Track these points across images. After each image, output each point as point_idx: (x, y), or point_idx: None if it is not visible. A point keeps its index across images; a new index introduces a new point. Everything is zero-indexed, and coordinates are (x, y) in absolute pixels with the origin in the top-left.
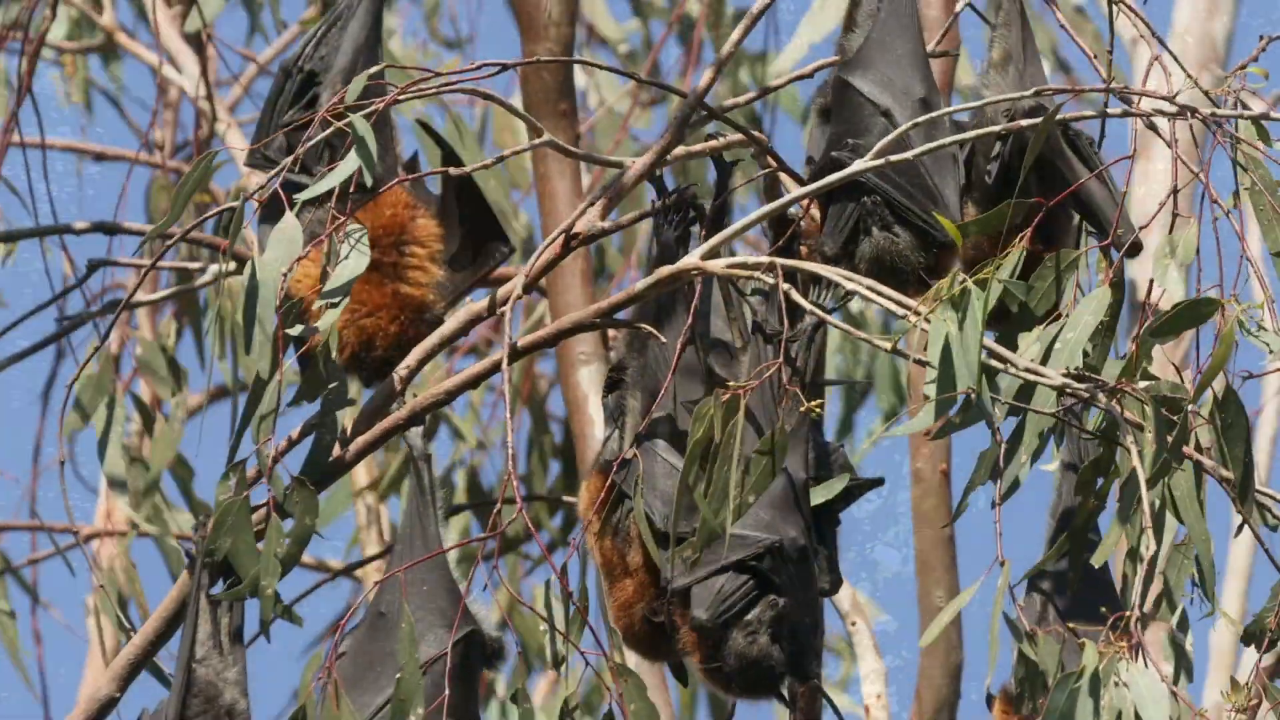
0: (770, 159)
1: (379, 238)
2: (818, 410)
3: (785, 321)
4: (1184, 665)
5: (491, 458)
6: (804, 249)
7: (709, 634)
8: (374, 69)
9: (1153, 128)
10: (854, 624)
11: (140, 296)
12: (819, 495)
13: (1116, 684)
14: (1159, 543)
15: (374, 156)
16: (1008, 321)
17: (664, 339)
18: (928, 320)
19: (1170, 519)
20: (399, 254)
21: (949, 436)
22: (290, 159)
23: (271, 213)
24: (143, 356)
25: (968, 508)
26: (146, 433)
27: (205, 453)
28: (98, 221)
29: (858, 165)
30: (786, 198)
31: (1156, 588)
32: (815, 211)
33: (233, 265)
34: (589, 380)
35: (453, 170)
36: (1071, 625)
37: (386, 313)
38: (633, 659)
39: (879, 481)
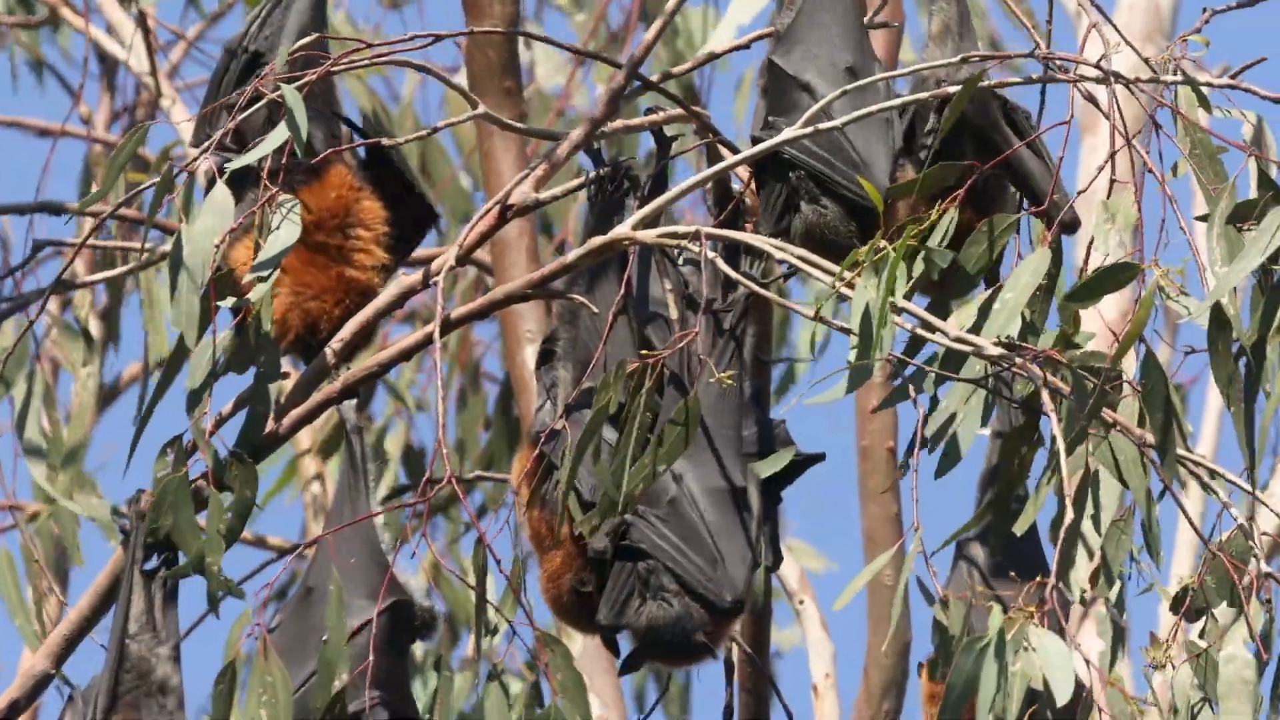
0: (709, 132)
1: (324, 220)
2: (729, 380)
3: (712, 290)
4: (1120, 643)
5: (419, 426)
6: (748, 226)
7: (617, 632)
8: (304, 40)
9: (1092, 100)
10: (801, 602)
11: (87, 276)
12: (763, 470)
13: (1025, 649)
14: (1078, 510)
15: (303, 128)
16: (941, 287)
17: (595, 309)
18: (850, 286)
19: (1102, 491)
20: (344, 237)
21: (896, 415)
22: (221, 133)
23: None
24: (58, 332)
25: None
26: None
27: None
28: (43, 201)
29: (772, 142)
30: (701, 174)
31: (1095, 564)
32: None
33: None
34: (535, 358)
35: (385, 141)
36: (994, 591)
37: (331, 296)
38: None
39: (820, 457)
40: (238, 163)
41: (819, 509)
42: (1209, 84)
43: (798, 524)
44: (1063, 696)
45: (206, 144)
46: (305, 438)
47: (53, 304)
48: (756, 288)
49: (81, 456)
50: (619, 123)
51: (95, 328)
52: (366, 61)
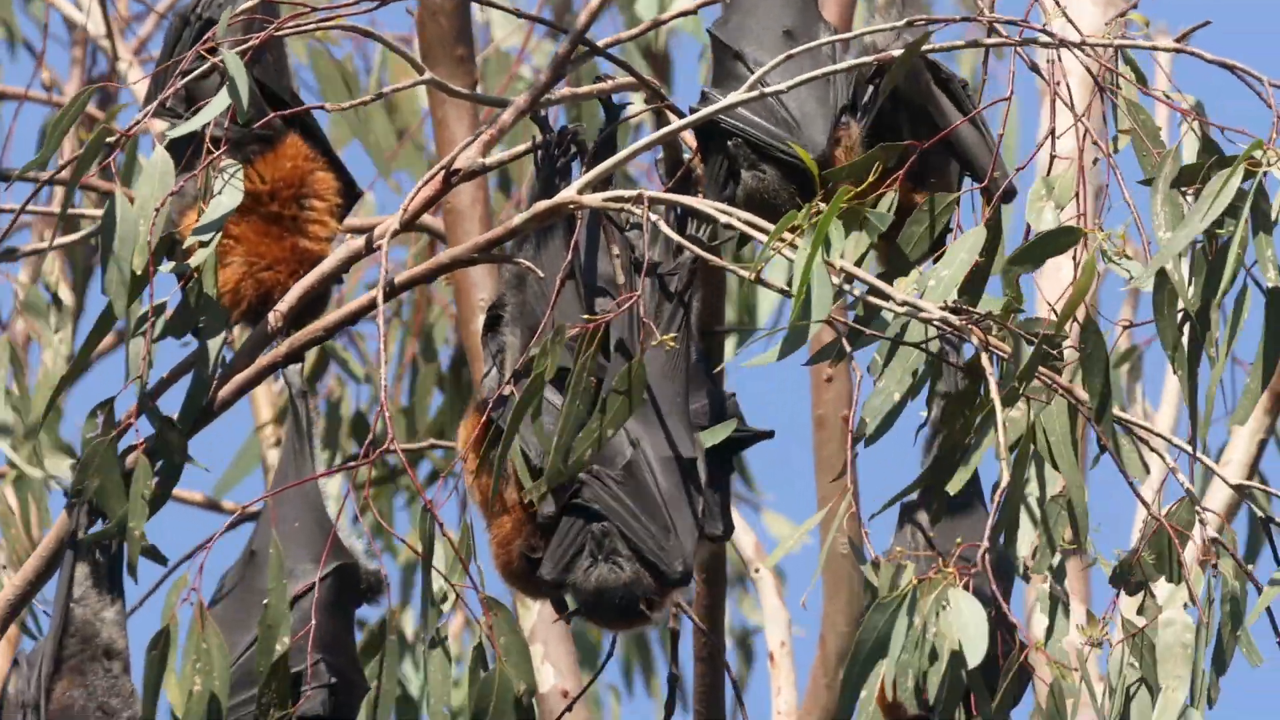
0: (658, 99)
1: (279, 190)
2: (672, 343)
3: (661, 255)
4: (1061, 614)
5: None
6: (701, 194)
7: (560, 588)
8: (249, 4)
9: (1034, 69)
10: (757, 571)
11: (38, 243)
12: (708, 440)
13: (942, 609)
14: (1018, 474)
15: (245, 95)
16: (887, 261)
17: (542, 274)
18: (792, 247)
19: (1047, 465)
20: (299, 207)
21: (851, 384)
22: (160, 98)
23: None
24: (26, 299)
25: (858, 455)
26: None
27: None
28: None
29: (704, 112)
30: (640, 142)
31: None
32: None
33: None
34: None
35: (329, 106)
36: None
37: (285, 266)
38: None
39: (769, 434)
40: (179, 130)
41: (776, 480)
42: (1154, 47)
43: (774, 497)
44: (974, 658)
45: (147, 109)
46: (265, 409)
47: (24, 273)
48: (699, 250)
49: (55, 423)
50: (566, 90)
51: (66, 295)
52: (312, 26)
